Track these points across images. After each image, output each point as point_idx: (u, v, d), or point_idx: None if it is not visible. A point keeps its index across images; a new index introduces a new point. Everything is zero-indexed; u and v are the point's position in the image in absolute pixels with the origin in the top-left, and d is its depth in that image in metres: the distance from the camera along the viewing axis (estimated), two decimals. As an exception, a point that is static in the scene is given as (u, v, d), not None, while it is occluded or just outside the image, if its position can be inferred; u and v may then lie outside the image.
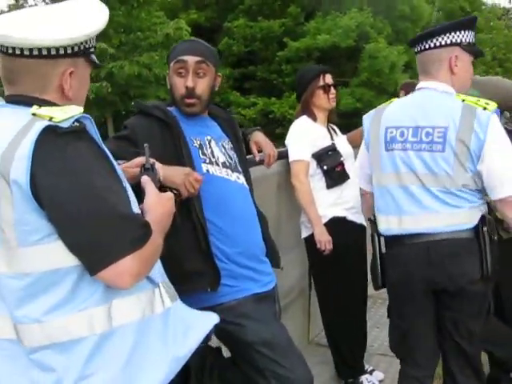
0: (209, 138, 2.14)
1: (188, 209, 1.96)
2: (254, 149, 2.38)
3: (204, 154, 2.09)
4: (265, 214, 2.36)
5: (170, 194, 1.54)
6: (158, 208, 1.45)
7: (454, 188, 2.14)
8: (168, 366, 1.31)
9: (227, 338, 2.10)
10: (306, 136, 3.12)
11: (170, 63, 2.14)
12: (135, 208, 1.42)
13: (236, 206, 2.11)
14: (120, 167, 1.56)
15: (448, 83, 2.23)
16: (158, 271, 1.42)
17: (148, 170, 1.64)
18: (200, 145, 2.10)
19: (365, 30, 23.51)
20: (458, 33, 2.19)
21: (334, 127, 3.38)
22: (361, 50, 23.52)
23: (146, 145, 1.74)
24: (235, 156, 2.21)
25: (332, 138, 3.18)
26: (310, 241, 3.12)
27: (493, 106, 2.13)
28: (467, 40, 2.21)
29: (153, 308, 1.35)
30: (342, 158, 3.08)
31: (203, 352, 2.07)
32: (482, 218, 2.16)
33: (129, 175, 1.67)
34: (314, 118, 3.19)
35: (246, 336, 2.02)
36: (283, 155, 3.17)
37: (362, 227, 3.18)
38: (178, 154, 2.00)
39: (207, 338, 1.53)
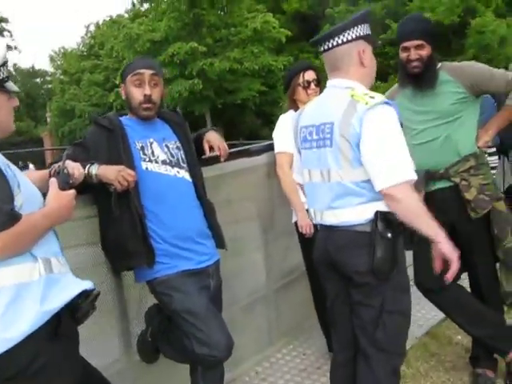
0: (151, 140, 2.50)
1: (128, 199, 2.34)
2: (206, 146, 2.67)
3: (145, 154, 2.46)
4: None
5: (69, 192, 1.88)
6: (53, 203, 1.82)
7: (345, 183, 2.22)
8: (39, 319, 1.68)
9: (163, 307, 2.52)
10: (290, 129, 3.34)
11: (127, 76, 2.51)
12: (37, 201, 1.81)
13: (172, 196, 2.45)
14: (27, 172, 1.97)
15: (357, 77, 2.30)
16: (41, 249, 1.78)
17: (58, 173, 2.01)
18: (142, 146, 2.47)
19: (471, 3, 22.40)
20: (359, 26, 2.27)
21: None
22: (466, 27, 22.39)
23: (65, 153, 2.13)
24: (180, 154, 2.55)
25: None
26: (297, 225, 3.36)
27: (378, 99, 2.15)
28: (367, 32, 2.30)
29: (31, 276, 1.72)
30: None
31: (155, 317, 2.64)
32: (377, 213, 2.19)
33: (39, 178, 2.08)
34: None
35: (174, 305, 2.41)
36: (272, 147, 3.43)
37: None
38: (121, 155, 2.36)
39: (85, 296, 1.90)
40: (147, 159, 2.46)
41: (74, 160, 2.21)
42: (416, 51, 2.96)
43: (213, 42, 21.08)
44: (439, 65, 3.05)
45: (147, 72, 2.48)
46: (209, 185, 3.16)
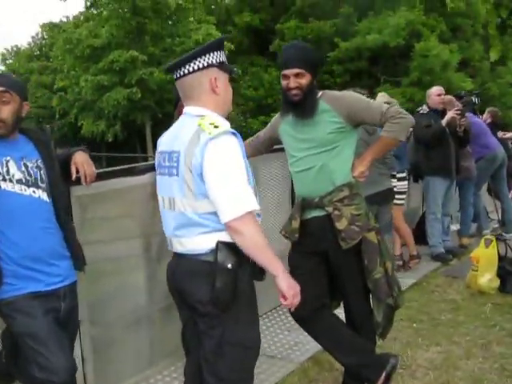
0: (8, 158, 2.43)
1: None
2: (73, 168, 2.62)
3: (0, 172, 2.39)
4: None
5: None
6: None
7: (188, 213, 2.22)
8: None
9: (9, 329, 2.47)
10: None
11: None
12: None
13: (24, 217, 2.39)
14: None
15: (210, 105, 2.30)
16: None
17: None
18: None
19: (416, 28, 23.05)
20: (211, 54, 2.28)
21: None
22: (411, 49, 23.01)
23: None
24: (39, 173, 2.49)
25: None
26: None
27: (222, 128, 2.16)
28: (220, 60, 2.31)
29: None
30: None
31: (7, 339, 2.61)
32: (217, 243, 2.19)
33: None
34: None
35: (16, 327, 2.39)
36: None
37: None
38: None
39: None
40: (1, 178, 2.39)
41: None
42: (295, 79, 2.96)
43: (156, 51, 21.03)
44: (320, 93, 3.07)
45: None
46: (85, 202, 3.08)
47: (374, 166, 4.85)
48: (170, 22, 21.79)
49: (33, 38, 37.48)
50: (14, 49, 42.70)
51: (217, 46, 2.32)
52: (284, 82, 3.01)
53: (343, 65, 24.58)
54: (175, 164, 2.24)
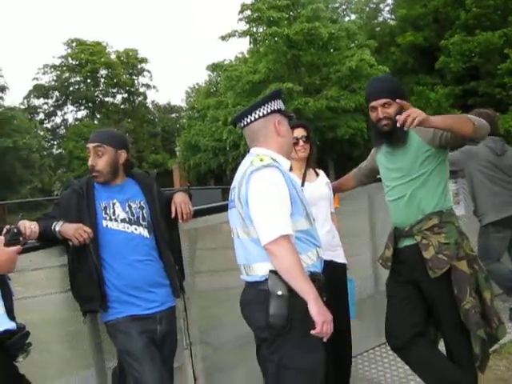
0: (114, 201, 2.87)
1: (86, 252, 2.74)
2: (173, 208, 2.98)
3: (106, 213, 2.83)
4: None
5: (10, 249, 2.21)
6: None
7: (246, 241, 2.44)
8: None
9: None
10: None
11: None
12: None
13: (126, 250, 2.81)
14: None
15: (275, 146, 2.54)
16: None
17: (7, 232, 2.33)
18: (105, 207, 2.85)
19: None
20: (273, 102, 2.54)
21: (319, 171, 3.65)
22: None
23: (20, 214, 2.49)
24: (142, 212, 2.89)
25: (303, 185, 3.48)
26: None
27: (265, 162, 2.39)
28: (280, 107, 2.56)
29: None
30: None
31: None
32: (269, 271, 2.35)
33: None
34: (289, 168, 3.53)
35: (117, 345, 2.81)
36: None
37: (329, 263, 3.43)
38: (85, 214, 2.79)
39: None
40: (107, 218, 2.83)
41: (51, 217, 2.77)
42: (383, 109, 3.01)
43: (312, 81, 21.51)
44: None
45: (91, 145, 2.88)
46: (194, 235, 3.38)
47: (505, 188, 4.63)
48: (324, 52, 22.23)
49: (209, 76, 40.42)
50: (196, 87, 46.50)
51: (277, 95, 2.61)
52: (373, 115, 3.09)
53: (516, 76, 22.91)
54: (233, 197, 2.51)
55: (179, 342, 3.38)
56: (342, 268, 3.59)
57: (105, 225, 2.81)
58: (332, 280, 3.51)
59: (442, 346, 3.17)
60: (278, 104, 2.56)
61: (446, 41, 24.72)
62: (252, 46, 26.11)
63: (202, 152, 32.63)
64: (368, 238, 4.39)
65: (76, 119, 47.63)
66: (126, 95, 48.68)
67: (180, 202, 2.99)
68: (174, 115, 52.93)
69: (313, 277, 2.41)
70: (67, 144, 41.46)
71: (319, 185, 3.64)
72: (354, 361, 4.17)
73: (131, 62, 47.99)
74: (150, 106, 52.01)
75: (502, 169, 4.58)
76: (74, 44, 45.12)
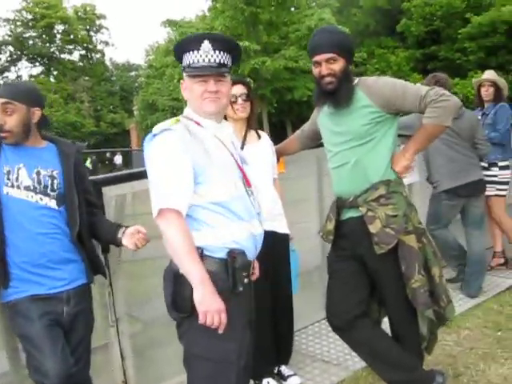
0: (20, 165, 2.51)
1: None
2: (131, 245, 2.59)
3: (9, 178, 2.47)
4: None
5: None
6: None
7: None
8: None
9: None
10: None
11: None
12: None
13: (28, 223, 2.46)
14: None
15: (191, 107, 2.25)
16: None
17: None
18: (8, 171, 2.49)
19: None
20: (183, 58, 2.19)
21: (261, 133, 3.33)
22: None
23: None
24: (51, 182, 2.54)
25: (242, 148, 3.15)
26: None
27: (165, 124, 2.16)
28: (186, 63, 2.18)
29: None
30: None
31: None
32: None
33: None
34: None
35: (15, 329, 2.51)
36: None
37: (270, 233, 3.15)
38: None
39: None
40: (9, 184, 2.47)
41: None
42: (327, 65, 2.68)
43: (270, 40, 20.90)
44: (356, 80, 2.75)
45: None
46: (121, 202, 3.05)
47: (462, 153, 4.41)
48: (283, 10, 21.52)
49: (168, 33, 39.20)
50: (156, 45, 45.17)
51: (177, 48, 2.25)
52: (316, 70, 2.76)
53: (476, 41, 22.83)
54: None
55: (104, 319, 3.11)
56: (283, 238, 3.31)
57: (5, 192, 2.45)
58: (272, 251, 3.26)
59: (386, 325, 2.96)
60: (186, 59, 2.17)
61: (408, 3, 24.42)
62: (211, 2, 25.25)
63: (159, 111, 31.78)
64: (316, 204, 4.10)
65: (31, 76, 45.82)
66: (83, 52, 47.18)
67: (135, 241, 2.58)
68: (132, 73, 51.61)
69: (232, 254, 2.09)
70: (21, 101, 39.90)
71: (261, 147, 3.32)
72: (297, 335, 3.97)
73: (89, 18, 46.36)
74: (109, 63, 50.61)
75: (458, 132, 4.34)
76: (29, -3, 43.19)
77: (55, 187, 2.55)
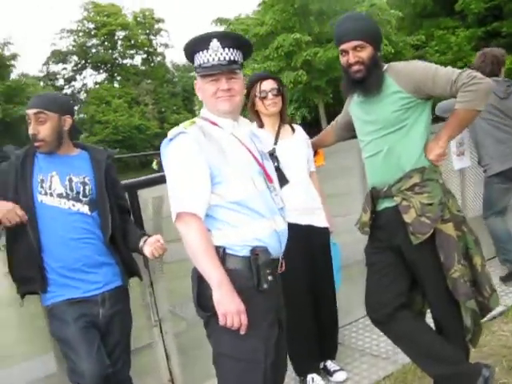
0: (53, 173, 2.58)
1: (23, 232, 2.49)
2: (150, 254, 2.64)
3: (42, 187, 2.55)
4: None
5: None
6: None
7: None
8: None
9: None
10: None
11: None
12: None
13: (62, 229, 2.53)
14: None
15: (207, 108, 2.24)
16: None
17: None
18: (42, 179, 2.57)
19: None
20: (195, 58, 2.18)
21: (296, 127, 3.29)
22: None
23: None
24: (83, 188, 2.61)
25: (276, 143, 3.12)
26: None
27: (179, 128, 2.14)
28: (198, 63, 2.17)
29: None
30: (275, 164, 2.98)
31: None
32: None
33: None
34: (260, 124, 3.18)
35: (53, 333, 2.58)
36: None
37: (308, 228, 3.11)
38: (21, 189, 2.53)
39: None
40: (43, 192, 2.55)
41: None
42: (355, 53, 2.60)
43: (321, 30, 20.50)
44: (385, 66, 2.67)
45: (30, 111, 2.56)
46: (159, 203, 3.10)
47: (511, 134, 4.18)
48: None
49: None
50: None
51: (187, 48, 2.22)
52: (343, 59, 2.68)
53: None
54: None
55: (148, 319, 3.16)
56: (322, 232, 3.25)
57: (39, 200, 2.53)
58: (310, 245, 3.21)
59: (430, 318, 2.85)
60: (197, 59, 2.16)
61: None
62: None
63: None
64: (359, 196, 3.99)
65: (96, 83, 47.48)
66: (144, 56, 48.24)
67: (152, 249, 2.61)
68: (193, 74, 52.20)
69: (254, 251, 2.07)
70: (88, 108, 41.36)
71: (295, 141, 3.28)
72: (347, 329, 3.91)
73: (148, 22, 47.32)
74: (170, 65, 51.50)
75: (506, 113, 4.12)
76: (90, 7, 44.53)
77: (87, 193, 2.62)
